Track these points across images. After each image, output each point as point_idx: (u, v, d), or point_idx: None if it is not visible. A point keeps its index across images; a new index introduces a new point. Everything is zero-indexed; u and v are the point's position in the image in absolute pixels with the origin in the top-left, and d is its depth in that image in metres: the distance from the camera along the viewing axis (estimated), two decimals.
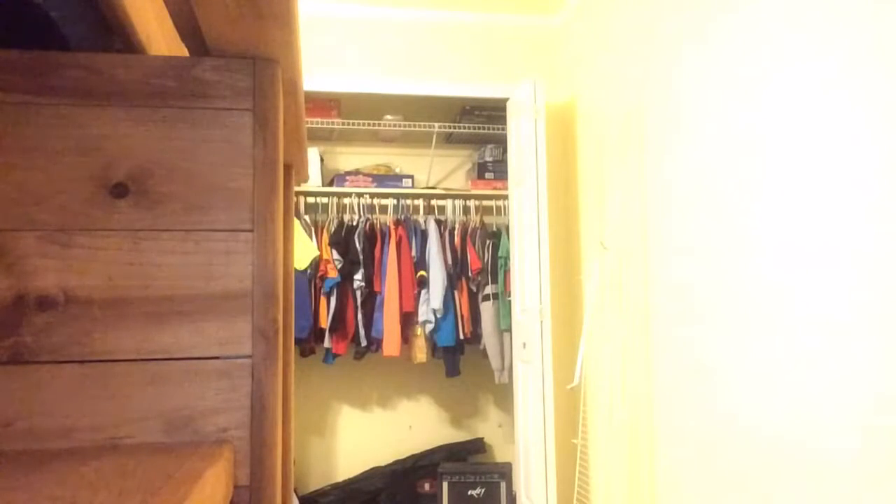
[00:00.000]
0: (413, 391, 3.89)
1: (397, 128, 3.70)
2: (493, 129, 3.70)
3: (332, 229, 3.47)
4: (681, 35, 2.31)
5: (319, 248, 3.41)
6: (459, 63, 3.54)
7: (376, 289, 3.44)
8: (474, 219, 3.74)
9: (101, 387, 0.62)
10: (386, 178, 3.69)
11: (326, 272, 3.37)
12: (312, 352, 3.45)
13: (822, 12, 1.65)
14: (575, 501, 3.01)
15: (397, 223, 3.55)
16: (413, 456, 3.67)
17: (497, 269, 3.53)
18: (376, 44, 3.48)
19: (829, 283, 1.62)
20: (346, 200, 3.62)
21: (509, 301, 3.38)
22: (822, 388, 1.64)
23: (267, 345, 0.65)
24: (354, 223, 3.51)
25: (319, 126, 3.58)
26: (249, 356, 0.65)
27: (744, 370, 1.93)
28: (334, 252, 3.40)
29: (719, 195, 2.07)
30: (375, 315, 3.43)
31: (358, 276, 3.40)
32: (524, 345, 3.12)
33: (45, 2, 0.62)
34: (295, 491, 3.44)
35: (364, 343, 3.44)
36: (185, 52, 0.85)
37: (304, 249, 3.32)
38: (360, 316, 3.43)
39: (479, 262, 3.54)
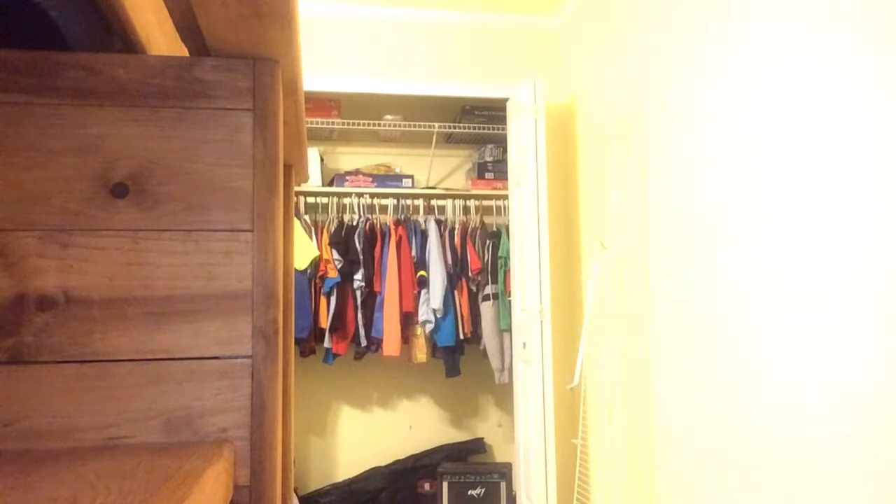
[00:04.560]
0: (413, 391, 3.89)
1: (397, 128, 3.70)
2: (493, 129, 3.70)
3: (332, 229, 3.47)
4: (681, 35, 2.31)
5: (319, 248, 3.40)
6: (459, 63, 3.54)
7: (376, 289, 3.43)
8: (474, 219, 3.74)
9: (101, 387, 0.62)
10: (386, 178, 3.69)
11: (326, 272, 3.37)
12: (312, 352, 3.45)
13: (822, 13, 1.65)
14: (575, 501, 3.01)
15: (397, 223, 3.55)
16: (413, 456, 3.67)
17: (497, 269, 3.53)
18: (376, 44, 3.48)
19: (829, 281, 1.62)
20: (346, 200, 3.62)
21: (509, 301, 3.38)
22: (821, 387, 1.64)
23: (267, 345, 0.65)
24: (354, 223, 3.51)
25: (319, 126, 3.58)
26: (249, 356, 0.65)
27: (744, 370, 1.93)
28: (334, 252, 3.40)
29: (719, 194, 2.07)
30: (375, 315, 3.43)
31: (358, 276, 3.40)
32: (524, 345, 3.12)
33: (45, 2, 0.62)
34: (295, 491, 3.44)
35: (364, 343, 3.44)
36: (185, 52, 0.85)
37: (304, 249, 3.32)
38: (360, 316, 3.42)
39: (479, 262, 3.54)
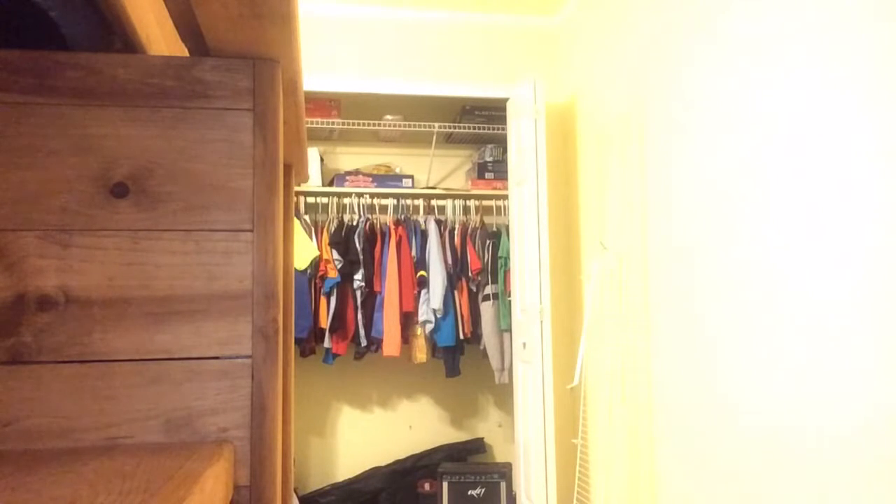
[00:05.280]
0: (413, 391, 3.89)
1: (397, 128, 3.70)
2: (493, 129, 3.70)
3: (332, 229, 3.47)
4: (681, 34, 2.31)
5: (319, 248, 3.40)
6: (459, 63, 3.54)
7: (376, 289, 3.43)
8: (474, 219, 3.74)
9: (101, 387, 0.62)
10: (386, 178, 3.69)
11: (326, 272, 3.37)
12: (312, 352, 3.45)
13: (823, 10, 1.65)
14: (575, 501, 3.01)
15: (397, 223, 3.55)
16: (413, 456, 3.67)
17: (497, 269, 3.53)
18: (376, 44, 3.48)
19: (830, 282, 1.62)
20: (346, 200, 3.62)
21: (509, 301, 3.38)
22: (821, 386, 1.64)
23: (267, 345, 0.65)
24: (354, 223, 3.51)
25: (319, 126, 3.58)
26: (249, 356, 0.65)
27: (743, 370, 1.93)
28: (334, 252, 3.40)
29: (719, 194, 2.07)
30: (375, 315, 3.43)
31: (358, 276, 3.40)
32: (524, 345, 3.12)
33: (44, 2, 0.62)
34: (295, 491, 3.44)
35: (364, 343, 3.44)
36: (185, 52, 0.85)
37: (304, 249, 3.32)
38: (360, 316, 3.42)
39: (479, 262, 3.54)
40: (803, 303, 1.70)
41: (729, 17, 2.03)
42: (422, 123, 3.68)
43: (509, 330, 3.43)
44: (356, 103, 3.69)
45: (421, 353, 3.50)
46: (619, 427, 2.76)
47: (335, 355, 3.42)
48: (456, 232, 3.60)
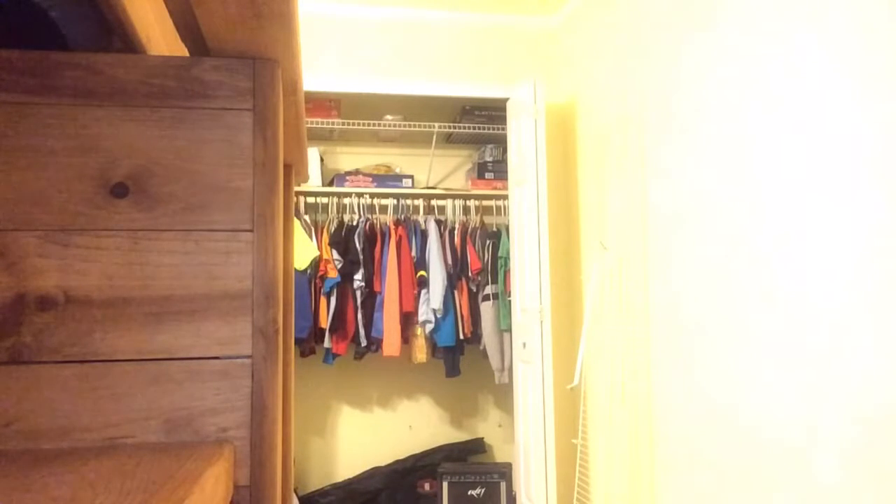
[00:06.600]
0: (413, 391, 3.89)
1: (397, 128, 3.70)
2: (493, 129, 3.70)
3: (332, 229, 3.47)
4: (681, 34, 2.31)
5: (319, 248, 3.40)
6: (459, 63, 3.54)
7: (376, 289, 3.43)
8: (474, 219, 3.74)
9: (101, 387, 0.62)
10: (386, 178, 3.68)
11: (326, 272, 3.37)
12: (312, 352, 3.45)
13: (825, 11, 1.65)
14: (575, 501, 3.01)
15: (397, 223, 3.55)
16: (413, 456, 3.67)
17: (497, 269, 3.53)
18: (376, 44, 3.48)
19: (828, 284, 1.62)
20: (346, 200, 3.62)
21: (509, 301, 3.38)
22: (820, 388, 1.64)
23: (267, 345, 0.65)
24: (354, 223, 3.51)
25: (319, 126, 3.58)
26: (249, 356, 0.65)
27: (743, 370, 1.93)
28: (334, 252, 3.40)
29: (719, 194, 2.07)
30: (375, 315, 3.43)
31: (358, 276, 3.40)
32: (524, 345, 3.11)
33: (44, 2, 0.62)
34: (295, 491, 3.44)
35: (364, 343, 3.44)
36: (185, 52, 0.85)
37: (304, 249, 3.32)
38: (360, 316, 3.42)
39: (479, 262, 3.54)
40: (802, 304, 1.70)
41: (729, 17, 2.03)
42: (422, 123, 3.68)
43: (509, 330, 3.43)
44: (356, 103, 3.69)
45: (421, 353, 3.50)
46: (619, 427, 2.76)
47: (335, 355, 3.42)
48: (456, 232, 3.60)
